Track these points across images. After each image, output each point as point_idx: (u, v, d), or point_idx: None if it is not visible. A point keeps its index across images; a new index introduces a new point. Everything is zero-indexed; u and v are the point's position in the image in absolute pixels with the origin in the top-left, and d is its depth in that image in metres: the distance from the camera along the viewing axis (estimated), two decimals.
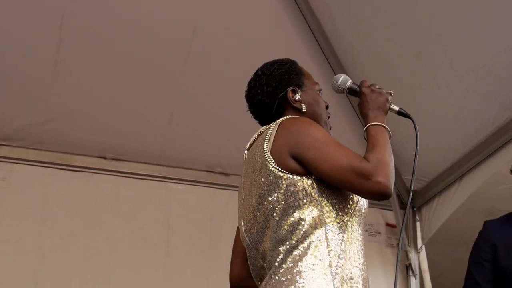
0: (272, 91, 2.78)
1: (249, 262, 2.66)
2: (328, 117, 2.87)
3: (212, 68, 5.12)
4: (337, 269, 2.39)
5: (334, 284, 2.36)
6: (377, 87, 2.79)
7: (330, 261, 2.39)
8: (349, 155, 2.43)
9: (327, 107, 2.88)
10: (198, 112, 5.27)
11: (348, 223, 2.49)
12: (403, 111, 2.84)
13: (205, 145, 5.43)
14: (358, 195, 2.51)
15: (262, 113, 2.82)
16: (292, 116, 2.68)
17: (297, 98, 2.77)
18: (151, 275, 5.17)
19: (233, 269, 2.89)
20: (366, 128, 2.63)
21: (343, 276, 2.40)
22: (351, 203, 2.52)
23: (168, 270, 5.22)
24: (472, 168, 5.12)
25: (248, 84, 2.88)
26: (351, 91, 2.87)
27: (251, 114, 2.88)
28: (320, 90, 2.88)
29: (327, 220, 2.44)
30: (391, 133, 2.62)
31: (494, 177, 5.37)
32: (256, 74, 2.88)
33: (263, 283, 2.46)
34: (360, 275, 2.47)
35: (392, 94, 2.80)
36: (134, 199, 5.33)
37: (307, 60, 5.00)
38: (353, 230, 2.50)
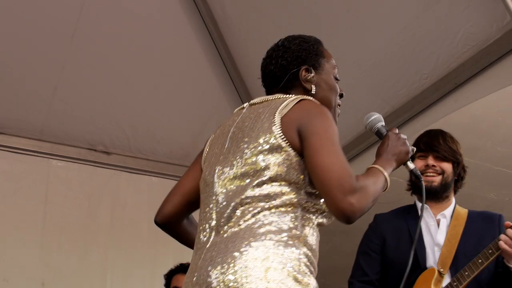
0: (285, 65, 2.73)
1: (204, 205, 2.59)
2: (339, 105, 2.84)
3: (98, 45, 5.04)
4: (303, 245, 2.40)
5: (299, 253, 2.37)
6: (403, 137, 2.79)
7: (297, 234, 2.40)
8: (344, 164, 2.37)
9: (341, 96, 2.85)
10: (82, 89, 5.19)
11: (313, 218, 2.48)
12: (416, 173, 2.86)
13: (87, 123, 5.36)
14: (325, 201, 2.45)
15: (271, 83, 2.77)
16: (315, 101, 2.61)
17: (308, 78, 2.72)
18: (27, 252, 5.08)
19: (167, 206, 2.82)
20: (372, 166, 2.59)
21: (307, 254, 2.41)
22: (320, 202, 2.50)
23: (44, 247, 5.14)
24: (351, 159, 5.21)
25: (267, 52, 2.83)
26: (378, 133, 2.89)
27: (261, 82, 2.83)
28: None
29: (302, 204, 2.44)
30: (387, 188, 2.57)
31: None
32: (276, 44, 2.83)
33: (225, 227, 2.42)
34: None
35: (414, 150, 2.81)
36: (13, 174, 5.21)
37: (192, 38, 5.04)
38: (315, 228, 2.50)
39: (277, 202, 2.40)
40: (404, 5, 4.39)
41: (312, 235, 2.46)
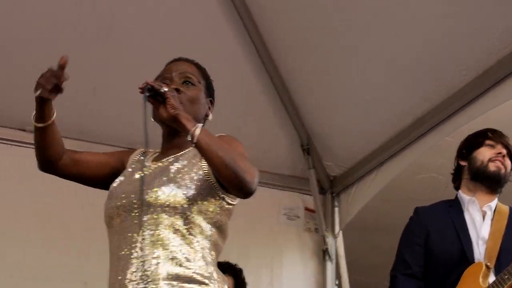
0: None
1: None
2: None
3: (135, 46, 5.05)
4: None
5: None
6: None
7: None
8: None
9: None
10: (120, 90, 5.19)
11: None
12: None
13: (126, 123, 5.35)
14: None
15: None
16: None
17: None
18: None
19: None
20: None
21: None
22: None
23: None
24: (391, 156, 5.20)
25: None
26: None
27: None
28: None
29: None
30: None
31: (412, 167, 5.47)
32: None
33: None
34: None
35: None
36: None
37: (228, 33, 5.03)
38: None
39: None
40: (442, 0, 4.38)
41: None
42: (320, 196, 5.80)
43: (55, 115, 2.59)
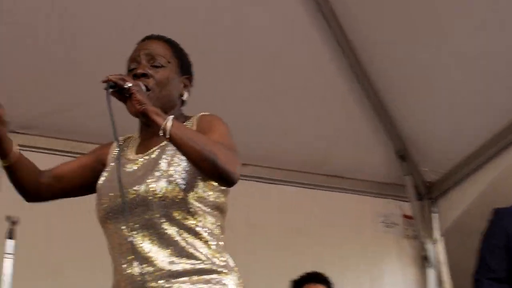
0: None
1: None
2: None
3: (226, 53, 5.09)
4: None
5: None
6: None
7: None
8: None
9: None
10: (213, 98, 5.24)
11: None
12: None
13: None
14: None
15: None
16: None
17: None
18: None
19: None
20: None
21: None
22: None
23: None
24: (489, 159, 5.11)
25: None
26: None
27: None
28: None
29: None
30: None
31: (511, 169, 5.36)
32: None
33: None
34: None
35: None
36: None
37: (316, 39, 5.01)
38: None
39: None
40: None
41: None
42: (417, 202, 5.74)
43: (15, 147, 2.53)
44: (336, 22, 5.03)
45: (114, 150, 2.65)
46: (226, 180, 2.34)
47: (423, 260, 5.67)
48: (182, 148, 2.31)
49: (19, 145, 2.57)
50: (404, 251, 5.74)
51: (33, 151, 5.00)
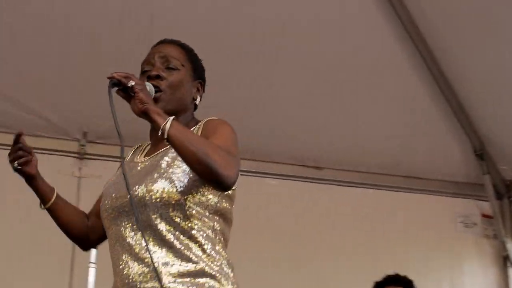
0: None
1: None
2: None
3: (298, 58, 5.11)
4: None
5: None
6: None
7: None
8: None
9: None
10: (285, 105, 5.27)
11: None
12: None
13: (297, 139, 5.41)
14: None
15: None
16: None
17: None
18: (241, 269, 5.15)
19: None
20: None
21: None
22: None
23: (261, 262, 5.23)
24: None
25: None
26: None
27: None
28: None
29: None
30: None
31: None
32: None
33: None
34: None
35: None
36: None
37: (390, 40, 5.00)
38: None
39: None
40: None
41: None
42: (496, 202, 5.68)
43: (54, 191, 2.62)
44: (410, 21, 5.01)
45: (128, 157, 2.69)
46: (220, 183, 2.32)
47: (505, 260, 5.60)
48: (179, 149, 2.30)
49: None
50: (484, 251, 5.68)
51: None
